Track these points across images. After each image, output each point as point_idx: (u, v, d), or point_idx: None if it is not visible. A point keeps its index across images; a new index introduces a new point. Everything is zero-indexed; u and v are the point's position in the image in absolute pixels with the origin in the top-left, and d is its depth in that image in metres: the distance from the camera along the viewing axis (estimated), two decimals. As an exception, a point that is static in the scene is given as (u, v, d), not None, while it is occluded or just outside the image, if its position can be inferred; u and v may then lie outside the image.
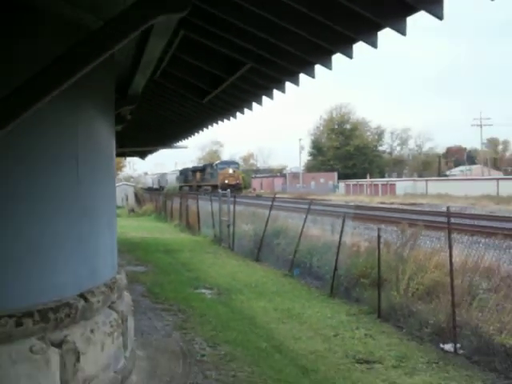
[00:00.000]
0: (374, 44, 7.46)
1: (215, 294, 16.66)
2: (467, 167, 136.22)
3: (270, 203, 27.02)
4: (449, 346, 11.45)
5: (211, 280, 18.83)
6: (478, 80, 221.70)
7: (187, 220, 39.99)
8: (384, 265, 14.80)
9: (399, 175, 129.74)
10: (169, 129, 22.39)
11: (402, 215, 34.89)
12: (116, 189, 11.18)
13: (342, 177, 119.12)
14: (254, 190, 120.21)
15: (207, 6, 7.80)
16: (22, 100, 5.72)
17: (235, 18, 8.06)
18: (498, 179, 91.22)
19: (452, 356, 11.04)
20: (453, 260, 12.32)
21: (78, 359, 7.44)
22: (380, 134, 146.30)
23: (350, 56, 8.13)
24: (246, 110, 13.91)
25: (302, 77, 9.86)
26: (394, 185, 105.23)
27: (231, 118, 15.56)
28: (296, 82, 10.17)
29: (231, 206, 29.15)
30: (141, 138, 26.29)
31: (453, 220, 14.41)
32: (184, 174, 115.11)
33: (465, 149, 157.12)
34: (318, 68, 9.14)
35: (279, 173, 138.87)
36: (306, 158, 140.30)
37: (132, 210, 63.03)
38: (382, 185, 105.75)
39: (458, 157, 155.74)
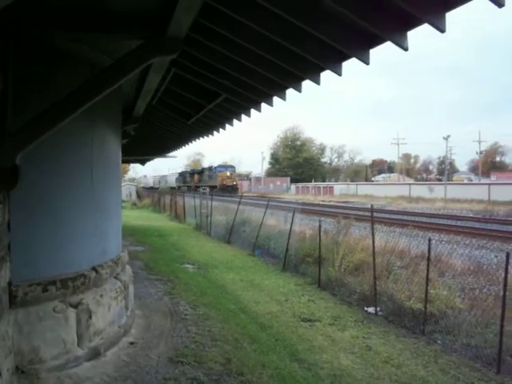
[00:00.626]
0: (317, 81, 7.52)
1: (196, 268, 16.62)
2: (387, 175, 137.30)
3: (238, 200, 27.13)
4: (371, 309, 11.55)
5: (193, 257, 18.78)
6: (398, 107, 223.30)
7: (176, 211, 39.84)
8: (323, 247, 14.89)
9: (336, 180, 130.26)
10: (162, 142, 22.37)
11: (338, 210, 35.11)
12: (122, 188, 11.17)
13: (293, 181, 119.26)
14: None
15: (193, 50, 7.81)
16: (49, 120, 5.72)
17: (213, 60, 8.08)
18: (410, 184, 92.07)
19: (373, 316, 11.14)
20: (375, 244, 12.45)
21: (90, 317, 7.48)
22: (322, 149, 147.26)
23: (299, 90, 8.18)
24: (221, 130, 14.01)
25: (264, 105, 9.92)
26: (333, 187, 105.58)
27: (210, 135, 15.62)
28: (258, 108, 10.24)
29: (209, 202, 29.09)
30: (141, 149, 26.23)
31: (375, 214, 14.56)
32: (183, 175, 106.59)
33: (386, 161, 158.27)
34: (276, 99, 9.21)
35: (246, 177, 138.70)
36: (266, 166, 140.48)
37: (134, 204, 62.63)
38: (324, 187, 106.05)
39: (380, 167, 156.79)
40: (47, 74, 7.02)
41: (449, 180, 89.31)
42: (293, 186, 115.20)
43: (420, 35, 7.43)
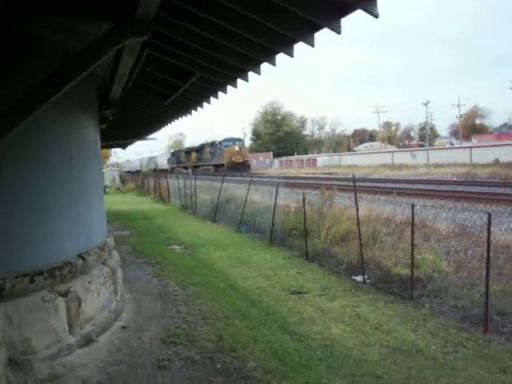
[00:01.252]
0: (290, 54, 7.51)
1: (183, 249, 16.64)
2: (369, 144, 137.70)
3: (222, 177, 27.05)
4: (359, 278, 11.64)
5: (180, 238, 18.80)
6: (376, 76, 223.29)
7: (160, 194, 39.74)
8: (309, 220, 14.93)
9: (319, 152, 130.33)
10: (142, 125, 22.26)
11: (322, 182, 35.22)
12: (105, 173, 11.14)
13: (276, 155, 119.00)
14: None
15: (164, 30, 7.76)
16: (24, 109, 5.67)
17: (185, 39, 8.03)
18: (392, 152, 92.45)
19: (362, 285, 11.23)
20: (359, 213, 12.51)
21: (79, 304, 7.50)
22: (303, 122, 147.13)
23: (273, 63, 8.17)
24: (198, 108, 13.97)
25: (240, 81, 9.89)
26: (316, 159, 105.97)
27: (188, 114, 15.57)
28: (234, 84, 10.21)
29: (193, 181, 29.03)
30: (121, 133, 26.01)
31: (359, 183, 14.63)
32: (176, 155, 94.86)
33: (367, 130, 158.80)
34: (251, 74, 9.19)
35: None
36: (248, 142, 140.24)
37: (118, 189, 62.32)
38: (307, 160, 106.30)
39: (362, 136, 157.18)
40: (15, 61, 6.93)
41: (430, 145, 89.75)
42: (276, 161, 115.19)
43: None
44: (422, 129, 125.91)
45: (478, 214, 11.97)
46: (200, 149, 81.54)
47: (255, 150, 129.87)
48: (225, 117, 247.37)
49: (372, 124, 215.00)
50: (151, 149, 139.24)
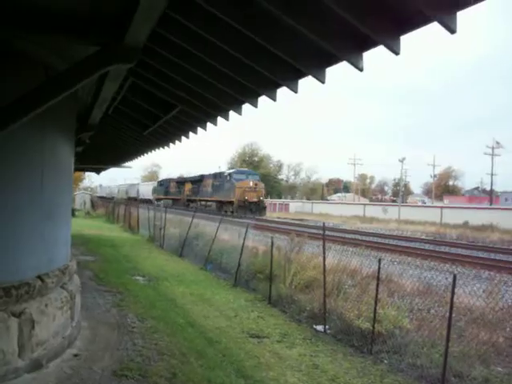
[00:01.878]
0: (273, 98, 7.60)
1: (147, 281, 16.46)
2: (343, 194, 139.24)
3: (192, 213, 27.00)
4: (320, 327, 11.58)
5: (145, 269, 18.59)
6: (354, 129, 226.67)
7: (129, 223, 39.44)
8: (275, 264, 14.92)
9: (292, 198, 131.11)
10: (118, 152, 22.23)
11: (292, 227, 35.31)
12: (76, 196, 11.06)
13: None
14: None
15: (151, 60, 7.80)
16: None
17: (171, 71, 8.07)
18: (364, 204, 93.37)
19: (322, 335, 11.18)
20: (326, 262, 12.53)
21: (33, 327, 7.30)
22: (280, 166, 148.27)
23: (255, 106, 8.25)
24: (177, 142, 14.01)
25: (220, 119, 9.97)
26: (288, 204, 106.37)
27: (166, 146, 15.59)
28: (214, 122, 10.29)
29: (163, 214, 28.88)
30: (97, 158, 25.95)
31: (329, 233, 14.69)
32: (164, 185, 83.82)
33: (342, 180, 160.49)
34: (232, 114, 9.27)
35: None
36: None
37: (88, 213, 61.83)
38: (280, 204, 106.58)
39: (336, 186, 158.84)
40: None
41: (403, 202, 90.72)
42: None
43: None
44: (396, 184, 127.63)
45: (443, 274, 12.07)
46: (199, 180, 68.76)
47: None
48: (202, 153, 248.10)
49: (347, 175, 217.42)
50: (125, 176, 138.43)
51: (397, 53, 5.05)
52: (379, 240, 31.21)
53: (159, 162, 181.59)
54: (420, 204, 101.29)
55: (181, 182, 78.54)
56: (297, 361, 9.31)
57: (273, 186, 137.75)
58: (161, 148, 16.40)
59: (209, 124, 10.79)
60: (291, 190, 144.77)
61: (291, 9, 5.09)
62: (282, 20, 5.37)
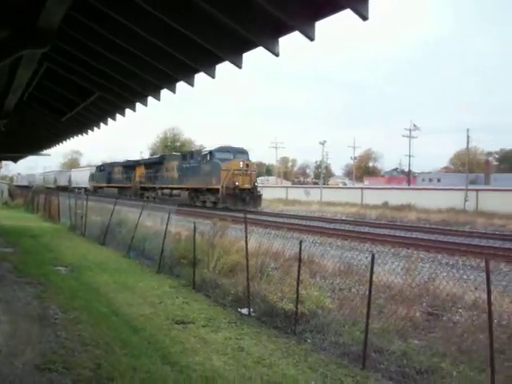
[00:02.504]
0: (191, 83, 7.61)
1: (69, 271, 16.13)
2: (266, 178, 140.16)
3: (115, 200, 26.63)
4: (245, 310, 11.70)
5: (66, 259, 18.19)
6: (276, 113, 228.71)
7: (50, 212, 38.43)
8: (198, 249, 14.94)
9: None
10: (36, 140, 21.70)
11: (215, 211, 35.41)
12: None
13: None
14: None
15: (66, 45, 7.64)
16: None
17: (87, 57, 7.95)
18: (287, 187, 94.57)
19: (247, 318, 11.30)
20: (249, 246, 12.66)
21: None
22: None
23: (173, 91, 8.22)
24: (95, 128, 13.80)
25: (139, 105, 9.89)
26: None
27: (85, 133, 15.34)
28: (133, 108, 10.18)
29: (85, 202, 28.32)
30: (13, 146, 25.18)
31: (251, 216, 14.84)
32: (106, 170, 71.00)
33: (264, 164, 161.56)
34: (151, 99, 9.23)
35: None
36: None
37: (6, 203, 59.78)
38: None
39: (259, 169, 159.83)
40: None
41: (325, 184, 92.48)
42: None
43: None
44: (318, 167, 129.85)
45: (363, 254, 12.43)
46: (157, 162, 56.57)
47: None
48: (123, 139, 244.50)
49: (269, 158, 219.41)
50: (45, 165, 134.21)
51: (312, 38, 5.15)
52: (301, 222, 31.74)
53: (79, 148, 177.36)
54: (341, 186, 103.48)
55: (129, 166, 64.74)
56: (222, 344, 9.39)
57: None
58: (80, 134, 16.13)
59: (128, 110, 10.69)
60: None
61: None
62: (199, 5, 5.39)
